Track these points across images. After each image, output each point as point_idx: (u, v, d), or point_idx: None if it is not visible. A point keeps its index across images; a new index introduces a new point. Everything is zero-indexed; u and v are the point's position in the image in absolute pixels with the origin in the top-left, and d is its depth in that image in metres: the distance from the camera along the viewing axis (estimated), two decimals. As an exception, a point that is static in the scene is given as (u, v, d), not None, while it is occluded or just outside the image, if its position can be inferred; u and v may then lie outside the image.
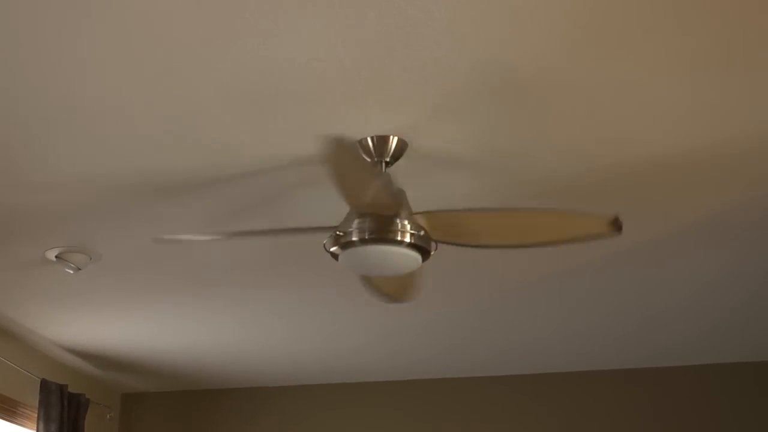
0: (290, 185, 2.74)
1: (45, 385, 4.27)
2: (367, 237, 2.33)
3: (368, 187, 2.16)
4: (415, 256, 2.38)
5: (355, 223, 2.34)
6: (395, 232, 2.33)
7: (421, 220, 2.35)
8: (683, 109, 2.34)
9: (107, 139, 2.48)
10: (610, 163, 2.62)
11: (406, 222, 2.34)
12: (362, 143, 2.47)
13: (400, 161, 2.55)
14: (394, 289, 2.79)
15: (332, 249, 2.40)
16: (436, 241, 2.40)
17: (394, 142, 2.46)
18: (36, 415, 4.29)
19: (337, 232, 2.37)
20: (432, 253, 2.42)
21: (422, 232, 2.35)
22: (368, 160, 2.49)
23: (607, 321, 4.06)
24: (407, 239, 2.34)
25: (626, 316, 4.00)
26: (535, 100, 2.29)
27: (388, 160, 2.47)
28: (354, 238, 2.34)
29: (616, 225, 2.09)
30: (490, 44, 2.05)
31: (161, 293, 3.75)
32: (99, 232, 3.11)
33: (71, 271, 3.29)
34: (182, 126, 2.41)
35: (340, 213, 2.75)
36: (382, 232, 2.33)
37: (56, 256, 3.24)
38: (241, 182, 2.72)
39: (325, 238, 2.44)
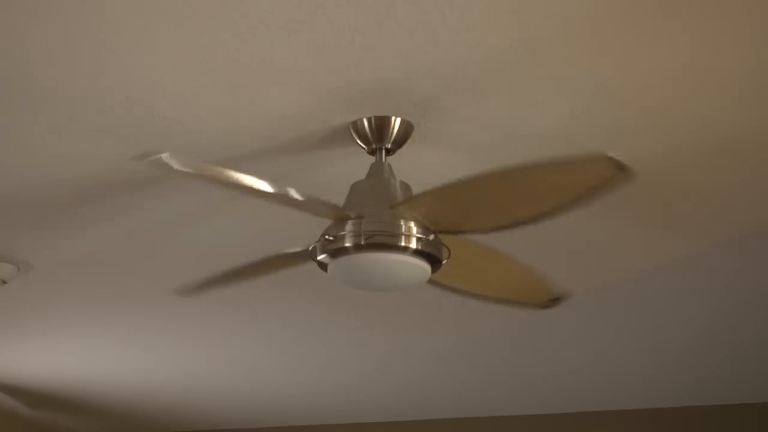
0: (269, 177, 2.75)
1: (-37, 428, 4.26)
2: (363, 242, 2.33)
3: None
4: (423, 266, 2.39)
5: (349, 225, 2.35)
6: (398, 237, 2.34)
7: (415, 210, 2.34)
8: (750, 81, 2.33)
9: (39, 125, 2.49)
10: (663, 149, 2.63)
11: (411, 224, 2.35)
12: (356, 126, 2.48)
13: (404, 148, 2.55)
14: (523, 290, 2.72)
15: (320, 257, 2.40)
16: (439, 232, 2.38)
17: (396, 124, 2.47)
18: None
19: (326, 237, 2.37)
20: (444, 261, 2.43)
21: (431, 236, 2.36)
22: (364, 147, 2.51)
23: (647, 348, 4.11)
24: (413, 245, 2.35)
25: (668, 342, 4.06)
26: (573, 71, 2.28)
27: (389, 146, 2.49)
28: (347, 244, 2.35)
29: (618, 165, 2.07)
30: None
31: (108, 314, 3.76)
32: (29, 237, 3.12)
33: (-5, 286, 3.33)
34: (131, 106, 2.41)
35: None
36: (381, 236, 2.33)
37: (-24, 267, 3.27)
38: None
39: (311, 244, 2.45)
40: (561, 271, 3.39)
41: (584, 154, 2.09)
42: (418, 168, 2.71)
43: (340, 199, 2.47)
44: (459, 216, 2.34)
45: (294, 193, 2.25)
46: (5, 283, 3.31)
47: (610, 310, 3.73)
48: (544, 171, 2.19)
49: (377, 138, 2.47)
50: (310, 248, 2.43)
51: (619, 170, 2.08)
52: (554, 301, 2.71)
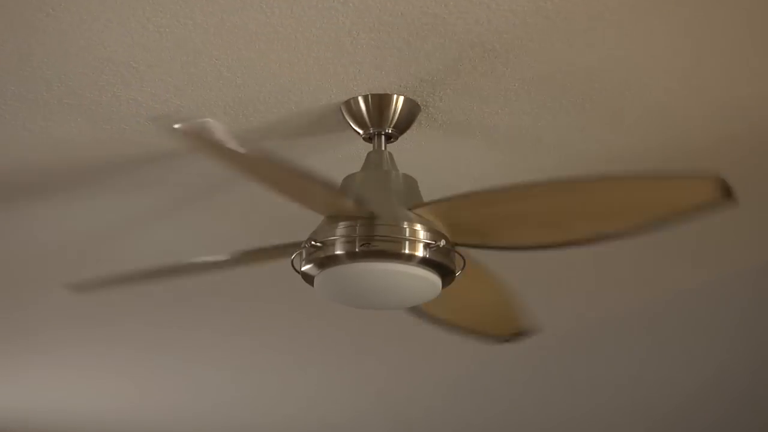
0: (227, 176, 2.73)
1: None
2: (357, 250, 2.32)
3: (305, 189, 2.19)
4: (432, 278, 2.38)
5: (340, 227, 2.33)
6: (401, 243, 2.32)
7: (432, 216, 2.35)
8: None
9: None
10: (726, 136, 2.64)
11: (417, 227, 2.33)
12: (350, 106, 2.47)
13: (408, 134, 2.55)
14: (479, 320, 2.77)
15: (304, 268, 2.39)
16: (459, 246, 2.38)
17: (399, 104, 2.46)
18: None
19: (312, 242, 2.35)
20: (457, 273, 2.42)
21: (442, 242, 2.34)
22: (359, 131, 2.50)
23: (679, 380, 4.27)
24: (420, 252, 2.33)
25: (698, 374, 4.23)
26: (613, 35, 2.27)
27: (389, 131, 2.49)
28: (338, 252, 2.33)
29: (724, 188, 2.14)
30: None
31: (36, 341, 3.81)
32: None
33: None
34: (71, 80, 2.40)
35: (312, 214, 2.73)
36: (381, 241, 2.31)
37: None
38: (155, 166, 2.74)
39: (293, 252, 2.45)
40: (611, 287, 3.46)
41: (685, 170, 2.17)
42: (425, 157, 2.71)
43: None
44: (492, 227, 2.35)
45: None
46: None
47: (639, 339, 3.85)
48: (633, 187, 2.26)
49: (375, 121, 2.47)
50: (293, 257, 2.41)
51: (725, 197, 2.13)
52: (516, 335, 2.74)
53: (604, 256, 3.16)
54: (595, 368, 4.12)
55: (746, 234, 3.12)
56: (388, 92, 2.44)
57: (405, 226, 2.32)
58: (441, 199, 2.35)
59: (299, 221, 2.49)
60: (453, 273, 2.40)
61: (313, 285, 2.42)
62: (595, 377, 4.20)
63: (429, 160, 2.71)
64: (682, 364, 4.13)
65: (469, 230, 2.37)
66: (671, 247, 3.18)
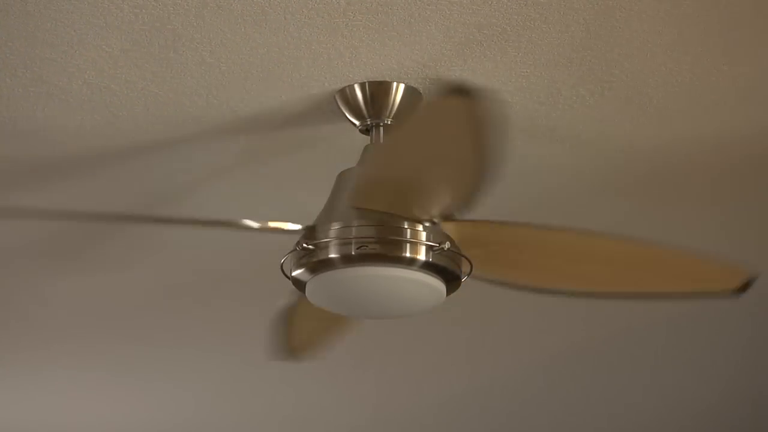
0: (211, 171, 2.78)
1: None
2: (354, 253, 2.31)
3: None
4: (436, 284, 2.38)
5: (334, 228, 2.33)
6: (402, 245, 2.31)
7: (453, 233, 2.37)
8: None
9: None
10: (760, 125, 2.65)
11: (419, 228, 2.33)
12: (345, 95, 2.48)
13: None
14: (303, 336, 2.92)
15: (295, 273, 2.38)
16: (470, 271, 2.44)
17: (399, 92, 2.47)
18: None
19: (304, 244, 2.34)
20: (463, 280, 2.43)
21: (447, 245, 2.33)
22: (355, 123, 2.51)
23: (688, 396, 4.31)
24: (422, 256, 2.32)
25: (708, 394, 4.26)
26: (635, 16, 2.26)
27: (389, 122, 2.48)
28: (332, 255, 2.33)
29: (744, 286, 2.43)
30: None
31: (6, 359, 3.88)
32: None
33: None
34: (39, 68, 2.39)
35: (305, 214, 2.72)
36: (379, 244, 2.31)
37: None
38: (130, 160, 2.75)
39: (283, 254, 2.46)
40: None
41: (723, 262, 2.43)
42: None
43: (322, 193, 2.46)
44: (507, 263, 2.48)
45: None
46: None
47: (646, 358, 3.94)
48: (660, 259, 2.43)
49: (373, 111, 2.47)
50: (282, 261, 2.42)
51: (738, 291, 2.41)
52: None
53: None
54: (602, 386, 4.16)
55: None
56: (387, 79, 2.44)
57: (406, 227, 2.32)
58: (468, 219, 2.36)
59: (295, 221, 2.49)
60: (459, 278, 2.40)
61: (304, 292, 2.42)
62: (602, 396, 4.24)
63: (432, 154, 2.72)
64: (688, 387, 4.20)
65: (484, 259, 2.43)
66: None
